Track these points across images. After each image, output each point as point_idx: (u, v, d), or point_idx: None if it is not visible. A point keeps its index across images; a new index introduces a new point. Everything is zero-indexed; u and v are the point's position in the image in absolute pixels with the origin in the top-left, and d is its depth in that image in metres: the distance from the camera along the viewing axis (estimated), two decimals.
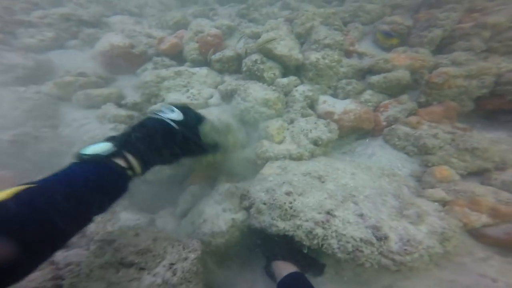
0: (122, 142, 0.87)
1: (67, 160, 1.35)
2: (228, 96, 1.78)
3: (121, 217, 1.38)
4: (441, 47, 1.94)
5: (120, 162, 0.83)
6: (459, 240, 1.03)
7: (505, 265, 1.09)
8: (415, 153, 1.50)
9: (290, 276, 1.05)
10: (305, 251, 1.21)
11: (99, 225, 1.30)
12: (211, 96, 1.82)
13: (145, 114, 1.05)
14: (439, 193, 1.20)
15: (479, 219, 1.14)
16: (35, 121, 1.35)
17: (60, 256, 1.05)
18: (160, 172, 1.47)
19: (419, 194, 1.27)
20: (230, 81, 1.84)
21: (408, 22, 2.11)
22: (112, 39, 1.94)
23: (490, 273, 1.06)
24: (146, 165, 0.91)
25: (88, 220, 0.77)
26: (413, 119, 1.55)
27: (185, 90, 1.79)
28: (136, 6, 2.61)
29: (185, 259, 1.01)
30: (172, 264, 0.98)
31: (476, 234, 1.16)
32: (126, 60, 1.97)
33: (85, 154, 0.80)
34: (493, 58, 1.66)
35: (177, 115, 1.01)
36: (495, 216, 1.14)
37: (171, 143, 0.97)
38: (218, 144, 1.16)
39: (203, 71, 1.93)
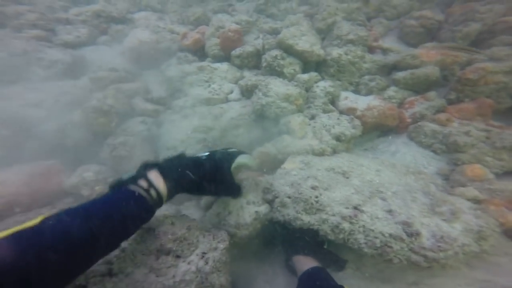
0: (149, 164, 0.89)
1: (99, 150, 1.43)
2: (248, 91, 1.79)
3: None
4: (477, 42, 1.85)
5: (142, 183, 0.83)
6: (496, 240, 0.99)
7: None
8: (443, 151, 1.45)
9: (311, 270, 1.05)
10: (325, 246, 1.20)
11: None
12: (231, 91, 1.84)
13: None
14: (471, 191, 1.16)
15: None
16: (73, 114, 1.43)
17: None
18: None
19: (448, 192, 1.22)
20: (250, 77, 1.85)
21: (439, 16, 2.03)
22: (139, 35, 2.01)
23: None
24: (173, 186, 0.91)
25: (106, 249, 0.75)
26: (442, 116, 1.50)
27: (207, 85, 1.83)
28: (158, 2, 2.68)
29: (215, 248, 1.04)
30: (204, 253, 1.01)
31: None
32: (152, 56, 2.03)
33: (112, 182, 0.84)
34: None
35: (205, 154, 1.04)
36: None
37: (199, 171, 0.97)
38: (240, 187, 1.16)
39: (224, 66, 1.96)
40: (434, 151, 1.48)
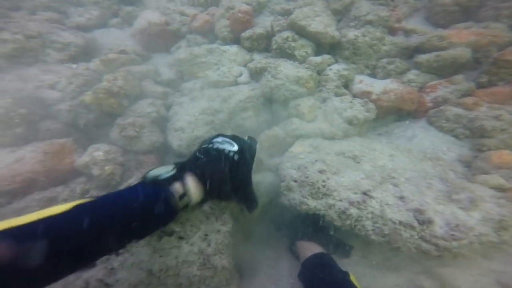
0: (186, 164, 0.84)
1: (107, 130, 1.46)
2: (257, 74, 1.74)
3: None
4: None
5: (178, 187, 0.78)
6: None
7: None
8: (466, 136, 1.34)
9: (315, 256, 1.03)
10: (331, 232, 1.17)
11: None
12: (241, 74, 1.79)
13: (204, 142, 0.97)
14: (496, 179, 1.06)
15: None
16: (85, 95, 1.46)
17: None
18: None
19: (469, 180, 1.13)
20: (259, 59, 1.79)
21: None
22: (149, 17, 1.98)
23: None
24: (208, 193, 0.85)
25: (121, 243, 0.72)
26: (468, 100, 1.39)
27: (216, 68, 1.79)
28: None
29: (218, 231, 1.03)
30: (206, 235, 1.01)
31: None
32: (162, 38, 2.01)
33: (146, 177, 0.79)
34: None
35: (235, 147, 0.92)
36: None
37: (232, 178, 0.88)
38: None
39: (233, 49, 1.91)
40: (456, 136, 1.38)
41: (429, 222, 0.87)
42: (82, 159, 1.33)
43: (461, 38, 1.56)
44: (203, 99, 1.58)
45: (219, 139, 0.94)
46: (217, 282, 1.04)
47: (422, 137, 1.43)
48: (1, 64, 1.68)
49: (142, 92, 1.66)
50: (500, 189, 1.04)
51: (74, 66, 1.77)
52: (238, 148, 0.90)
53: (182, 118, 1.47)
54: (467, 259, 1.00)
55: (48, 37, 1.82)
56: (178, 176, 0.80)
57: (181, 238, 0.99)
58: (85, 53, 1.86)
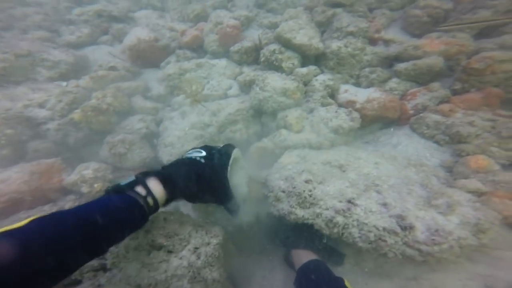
0: (149, 172, 0.88)
1: (97, 148, 1.47)
2: (246, 87, 1.78)
3: None
4: (486, 31, 1.76)
5: (140, 189, 0.82)
6: (498, 234, 0.94)
7: None
8: (446, 142, 1.40)
9: (310, 262, 1.05)
10: (325, 241, 1.19)
11: None
12: (230, 87, 1.84)
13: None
14: (473, 183, 1.11)
15: None
16: (74, 113, 1.47)
17: None
18: None
19: (450, 185, 1.18)
20: (248, 72, 1.84)
21: (446, 5, 1.95)
22: (138, 33, 2.03)
23: None
24: (172, 194, 0.90)
25: (94, 252, 0.71)
26: (445, 106, 1.45)
27: (205, 82, 1.83)
28: (159, 0, 2.69)
29: (208, 244, 1.04)
30: (196, 248, 1.02)
31: None
32: (151, 54, 2.05)
33: (107, 190, 0.83)
34: None
35: (202, 153, 1.01)
36: None
37: (198, 177, 0.95)
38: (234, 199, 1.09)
39: (222, 62, 1.96)
40: (437, 143, 1.43)
41: (411, 227, 0.90)
42: (70, 178, 1.33)
43: (433, 47, 1.64)
44: (193, 113, 1.61)
45: (190, 151, 1.03)
46: None
47: (406, 144, 1.48)
48: None
49: (132, 108, 1.68)
50: (477, 193, 1.09)
51: (64, 84, 1.79)
52: (206, 154, 0.99)
53: (172, 133, 1.50)
54: (454, 264, 1.02)
55: (38, 56, 1.84)
56: (139, 181, 0.84)
57: (170, 251, 1.00)
58: (76, 71, 1.89)
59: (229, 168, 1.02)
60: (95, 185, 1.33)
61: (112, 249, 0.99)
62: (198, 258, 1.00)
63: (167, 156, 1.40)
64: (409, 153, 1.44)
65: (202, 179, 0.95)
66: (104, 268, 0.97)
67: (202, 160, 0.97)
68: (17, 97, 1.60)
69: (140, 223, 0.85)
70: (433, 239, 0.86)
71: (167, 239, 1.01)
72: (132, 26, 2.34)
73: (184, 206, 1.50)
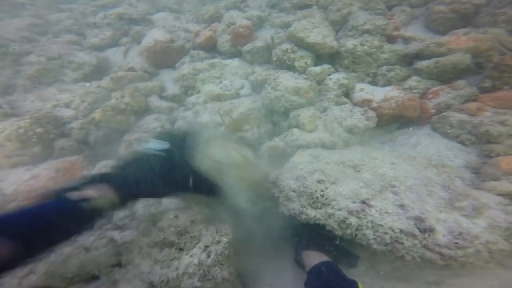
0: (97, 175, 0.89)
1: (116, 146, 1.53)
2: (258, 86, 1.79)
3: (162, 201, 1.50)
4: None
5: (78, 194, 0.81)
6: None
7: None
8: (472, 142, 1.30)
9: (322, 264, 1.01)
10: (337, 242, 1.14)
11: (145, 209, 1.43)
12: (242, 87, 1.85)
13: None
14: (505, 185, 1.02)
15: None
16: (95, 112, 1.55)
17: (117, 236, 1.16)
18: None
19: (477, 187, 1.09)
20: (260, 71, 1.85)
21: (477, 0, 1.84)
22: (155, 35, 2.11)
23: None
24: (124, 193, 0.89)
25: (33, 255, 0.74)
26: (472, 105, 1.36)
27: (218, 82, 1.86)
28: (175, 3, 2.79)
29: (218, 242, 1.04)
30: (206, 246, 1.02)
31: None
32: (167, 54, 2.12)
33: (53, 190, 0.84)
34: None
35: (163, 145, 0.97)
36: None
37: (157, 172, 0.92)
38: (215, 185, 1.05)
39: (235, 62, 1.98)
40: (462, 143, 1.34)
41: (431, 230, 0.84)
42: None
43: (460, 44, 1.55)
44: (206, 112, 1.63)
45: (151, 142, 0.99)
46: None
47: (426, 144, 1.40)
48: (26, 85, 1.82)
49: (148, 107, 1.74)
50: (510, 195, 1.00)
51: (87, 84, 1.90)
52: (167, 145, 0.96)
53: None
54: (483, 269, 0.94)
55: (66, 58, 1.97)
56: (83, 183, 0.83)
57: (181, 249, 1.01)
58: (98, 72, 2.00)
59: (198, 153, 0.98)
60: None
61: (128, 245, 1.02)
62: (208, 256, 1.00)
63: None
64: (429, 154, 1.36)
65: (164, 175, 0.92)
66: (119, 264, 1.00)
67: (163, 153, 0.94)
68: (47, 98, 1.72)
69: (78, 225, 0.85)
70: (456, 243, 0.79)
71: (178, 237, 1.02)
72: (150, 28, 2.44)
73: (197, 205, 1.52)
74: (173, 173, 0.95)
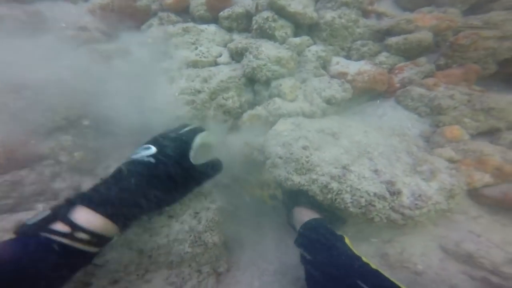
0: (73, 199, 0.70)
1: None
2: (238, 55, 1.70)
3: None
4: (476, 6, 1.81)
5: (60, 227, 0.64)
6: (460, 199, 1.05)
7: (491, 223, 1.15)
8: (427, 113, 1.50)
9: (312, 221, 1.03)
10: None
11: None
12: (220, 55, 1.74)
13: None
14: (448, 152, 1.22)
15: (482, 178, 1.17)
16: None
17: None
18: None
19: (428, 153, 1.29)
20: (240, 39, 1.75)
21: None
22: None
23: (477, 230, 1.12)
24: (119, 214, 0.74)
25: None
26: (429, 81, 1.53)
27: (194, 48, 1.71)
28: None
29: (208, 208, 1.06)
30: (196, 213, 1.03)
31: (474, 194, 1.20)
32: (129, 15, 1.83)
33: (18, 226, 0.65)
34: None
35: (152, 150, 0.84)
36: (498, 176, 1.17)
37: (154, 183, 0.80)
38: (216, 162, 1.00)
39: (211, 28, 1.82)
40: (419, 114, 1.53)
41: (399, 193, 0.98)
42: (47, 142, 1.23)
43: (425, 22, 1.67)
44: (182, 79, 1.52)
45: (138, 149, 0.88)
46: (207, 258, 1.08)
47: (391, 115, 1.57)
48: None
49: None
50: (451, 161, 1.21)
51: (18, 43, 1.53)
52: (156, 151, 0.84)
53: (160, 99, 1.41)
54: (422, 227, 1.12)
55: None
56: (57, 215, 0.66)
57: (171, 216, 1.00)
58: (29, 29, 1.60)
59: (192, 151, 0.91)
60: (75, 154, 1.25)
61: None
62: (199, 222, 1.02)
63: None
64: (393, 124, 1.53)
65: (156, 183, 0.80)
66: None
67: (152, 160, 0.81)
68: None
69: (75, 264, 0.69)
70: (416, 204, 0.94)
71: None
72: None
73: None
74: (169, 181, 0.84)
